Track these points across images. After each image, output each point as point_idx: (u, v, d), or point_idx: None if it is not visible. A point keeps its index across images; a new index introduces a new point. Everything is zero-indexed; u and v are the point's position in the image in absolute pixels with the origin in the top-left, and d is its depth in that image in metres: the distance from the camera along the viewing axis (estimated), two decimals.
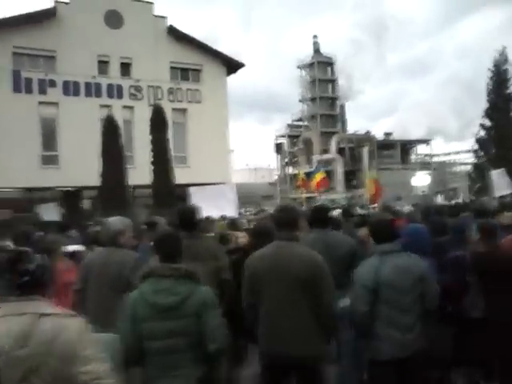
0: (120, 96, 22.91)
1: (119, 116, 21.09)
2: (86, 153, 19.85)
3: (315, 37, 57.71)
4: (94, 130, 19.94)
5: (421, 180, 22.26)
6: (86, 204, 22.33)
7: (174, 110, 23.63)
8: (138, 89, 23.26)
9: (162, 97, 23.39)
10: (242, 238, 5.75)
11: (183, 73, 24.68)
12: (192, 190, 11.65)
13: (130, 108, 23.18)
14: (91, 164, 18.99)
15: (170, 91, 23.99)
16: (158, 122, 19.37)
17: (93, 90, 22.31)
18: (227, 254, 4.20)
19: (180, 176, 19.98)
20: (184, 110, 24.32)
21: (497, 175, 13.72)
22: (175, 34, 23.79)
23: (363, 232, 4.47)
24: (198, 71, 24.76)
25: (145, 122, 20.20)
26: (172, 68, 24.16)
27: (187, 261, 2.87)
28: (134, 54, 22.82)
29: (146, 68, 22.97)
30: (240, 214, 12.64)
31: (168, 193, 17.93)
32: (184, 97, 24.31)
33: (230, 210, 10.75)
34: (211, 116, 23.70)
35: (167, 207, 11.61)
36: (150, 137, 19.41)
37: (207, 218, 8.65)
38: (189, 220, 3.74)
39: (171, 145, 20.51)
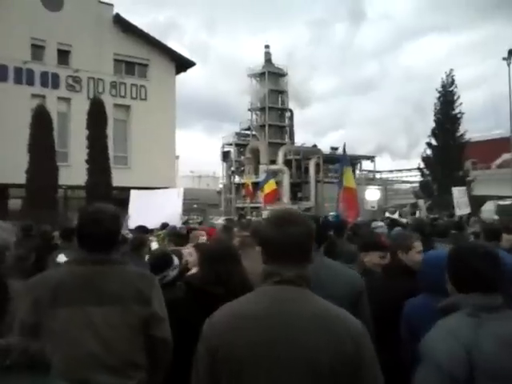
0: (55, 86, 20.66)
1: (53, 108, 18.99)
2: (14, 147, 17.47)
3: (267, 47, 57.34)
4: (23, 121, 17.55)
5: (372, 195, 21.71)
6: (12, 204, 19.72)
7: (116, 105, 21.68)
8: (77, 80, 21.10)
9: (103, 90, 21.35)
10: (188, 257, 4.22)
11: (128, 66, 22.76)
12: (133, 193, 9.99)
13: (67, 100, 20.98)
14: (20, 160, 16.72)
15: (113, 85, 22.01)
16: (97, 117, 17.47)
17: (24, 76, 19.93)
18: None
19: (120, 178, 18.21)
20: (127, 107, 22.39)
21: (458, 193, 13.17)
22: (122, 24, 21.90)
23: (374, 258, 3.08)
24: (144, 66, 22.94)
25: (83, 116, 18.21)
26: (116, 60, 22.22)
27: (86, 304, 1.92)
28: (73, 42, 20.70)
29: (86, 58, 20.88)
30: (185, 223, 11.11)
31: (105, 195, 16.02)
32: (128, 92, 22.39)
33: (174, 218, 9.21)
34: (157, 115, 21.93)
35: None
36: (87, 132, 17.42)
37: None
38: (99, 231, 2.00)
39: (111, 143, 18.62)
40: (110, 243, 2.04)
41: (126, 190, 12.91)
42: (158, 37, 23.18)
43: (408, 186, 51.28)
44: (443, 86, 31.46)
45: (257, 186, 26.86)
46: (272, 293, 1.53)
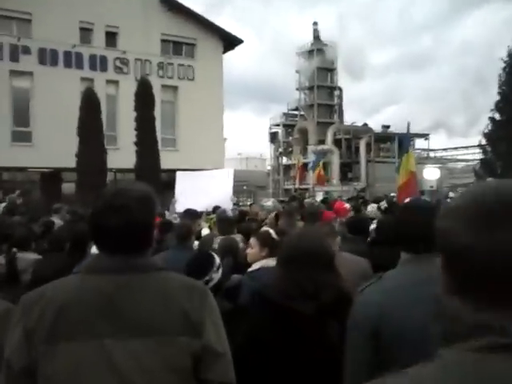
0: (104, 69, 20.56)
1: (102, 91, 18.89)
2: (65, 131, 17.55)
3: (315, 24, 55.56)
4: (73, 105, 17.55)
5: (431, 174, 20.39)
6: (66, 188, 20.01)
7: (163, 86, 21.38)
8: (124, 61, 20.92)
9: (150, 72, 21.08)
10: (248, 248, 3.61)
11: (175, 47, 22.32)
12: (179, 174, 9.51)
13: (115, 82, 20.86)
14: (70, 143, 16.82)
15: (160, 66, 21.68)
16: (145, 98, 17.23)
17: (73, 60, 19.92)
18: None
19: (167, 160, 17.98)
20: (175, 88, 22.05)
21: None
22: (168, 3, 21.42)
23: None
24: (192, 45, 22.43)
25: (131, 98, 18.06)
26: (163, 41, 21.84)
27: (103, 336, 1.25)
28: (120, 23, 20.46)
29: (133, 39, 20.62)
30: (235, 205, 10.60)
31: (153, 178, 15.79)
32: (175, 73, 22.01)
33: (225, 200, 8.67)
34: (205, 96, 21.46)
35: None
36: (135, 114, 17.21)
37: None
38: (119, 223, 1.32)
39: (159, 125, 18.36)
40: (139, 241, 1.38)
41: (174, 173, 12.56)
42: (205, 14, 22.62)
43: (463, 164, 48.65)
44: (509, 55, 29.05)
45: (305, 166, 26.07)
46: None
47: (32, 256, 4.10)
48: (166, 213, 8.36)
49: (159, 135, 18.61)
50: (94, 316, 1.28)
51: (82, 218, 5.72)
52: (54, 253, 3.92)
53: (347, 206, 6.66)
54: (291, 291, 1.71)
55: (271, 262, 3.35)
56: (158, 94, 19.41)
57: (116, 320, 1.28)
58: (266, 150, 56.34)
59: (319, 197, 17.89)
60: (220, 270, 2.65)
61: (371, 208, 7.59)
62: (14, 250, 4.06)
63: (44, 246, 4.54)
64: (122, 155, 18.07)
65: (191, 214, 6.52)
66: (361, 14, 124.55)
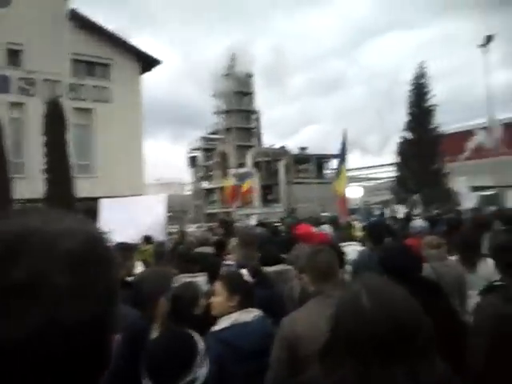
0: (6, 90, 18.58)
1: (4, 114, 16.95)
2: None
3: (230, 48, 56.19)
4: None
5: (354, 192, 20.78)
6: None
7: (75, 109, 19.77)
8: (31, 82, 19.10)
9: (60, 93, 19.41)
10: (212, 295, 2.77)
11: (89, 67, 20.88)
12: (104, 202, 8.35)
13: (19, 105, 18.92)
14: None
15: (72, 87, 20.09)
16: (54, 121, 15.62)
17: None
18: None
19: (83, 188, 16.42)
20: (89, 111, 20.51)
21: (462, 184, 12.19)
22: (80, 21, 20.02)
23: None
24: (106, 66, 21.11)
25: (39, 122, 16.33)
26: (75, 60, 20.29)
27: None
28: (25, 40, 18.69)
29: (41, 58, 18.90)
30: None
31: (67, 207, 14.22)
32: (89, 95, 20.51)
33: (158, 229, 7.70)
34: (123, 119, 20.18)
35: None
36: (44, 138, 15.56)
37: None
38: None
39: (72, 150, 16.79)
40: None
41: (91, 201, 11.33)
42: (120, 34, 21.47)
43: (375, 182, 51.02)
44: (416, 78, 31.03)
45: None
46: None
47: None
48: None
49: (73, 161, 17.02)
50: None
51: None
52: None
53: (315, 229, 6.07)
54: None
55: (246, 316, 2.56)
56: (71, 117, 17.84)
57: None
58: (184, 174, 55.11)
59: (253, 220, 17.36)
60: (207, 361, 1.73)
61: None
62: None
63: None
64: (30, 184, 16.23)
65: (123, 249, 5.32)
66: (274, 39, 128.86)
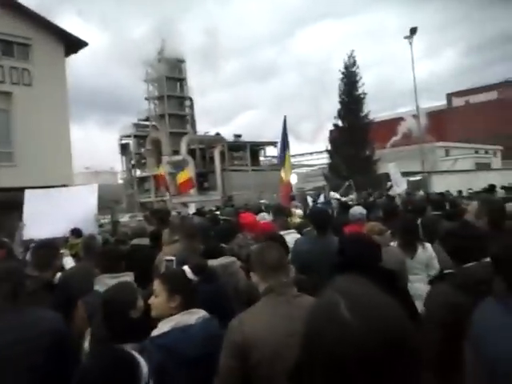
0: None
1: None
2: None
3: (163, 33, 54.43)
4: None
5: (290, 179, 20.93)
6: None
7: None
8: None
9: None
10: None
11: (6, 47, 19.24)
12: (28, 193, 7.66)
13: None
14: None
15: None
16: None
17: None
18: None
19: (4, 178, 15.27)
20: (8, 94, 18.97)
21: (393, 169, 12.57)
22: None
23: None
24: (26, 46, 19.55)
25: None
26: None
27: None
28: None
29: None
30: (100, 226, 9.07)
31: None
32: (7, 77, 18.95)
33: (88, 222, 7.20)
34: (47, 103, 18.85)
35: None
36: None
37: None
38: None
39: None
40: None
41: (13, 192, 10.50)
42: (42, 13, 19.93)
43: (308, 169, 52.13)
44: (346, 67, 31.77)
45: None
46: None
47: None
48: (5, 240, 6.60)
49: None
50: None
51: None
52: None
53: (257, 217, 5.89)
54: None
55: (188, 318, 2.35)
56: None
57: None
58: (116, 163, 52.96)
59: (192, 209, 16.89)
60: None
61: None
62: None
63: None
64: None
65: (49, 248, 4.56)
66: (208, 25, 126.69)
